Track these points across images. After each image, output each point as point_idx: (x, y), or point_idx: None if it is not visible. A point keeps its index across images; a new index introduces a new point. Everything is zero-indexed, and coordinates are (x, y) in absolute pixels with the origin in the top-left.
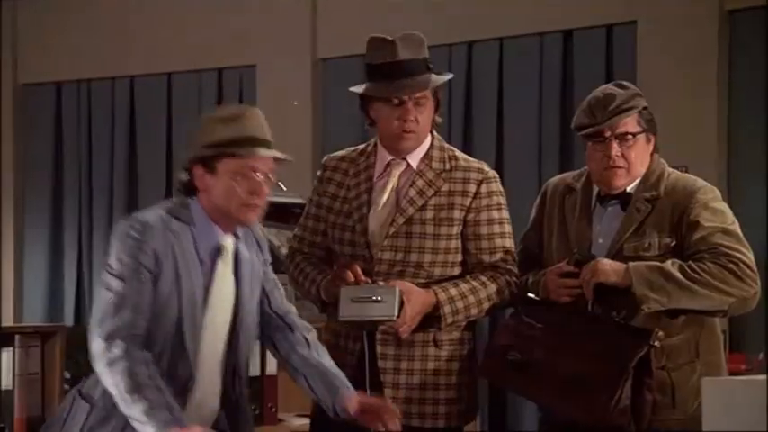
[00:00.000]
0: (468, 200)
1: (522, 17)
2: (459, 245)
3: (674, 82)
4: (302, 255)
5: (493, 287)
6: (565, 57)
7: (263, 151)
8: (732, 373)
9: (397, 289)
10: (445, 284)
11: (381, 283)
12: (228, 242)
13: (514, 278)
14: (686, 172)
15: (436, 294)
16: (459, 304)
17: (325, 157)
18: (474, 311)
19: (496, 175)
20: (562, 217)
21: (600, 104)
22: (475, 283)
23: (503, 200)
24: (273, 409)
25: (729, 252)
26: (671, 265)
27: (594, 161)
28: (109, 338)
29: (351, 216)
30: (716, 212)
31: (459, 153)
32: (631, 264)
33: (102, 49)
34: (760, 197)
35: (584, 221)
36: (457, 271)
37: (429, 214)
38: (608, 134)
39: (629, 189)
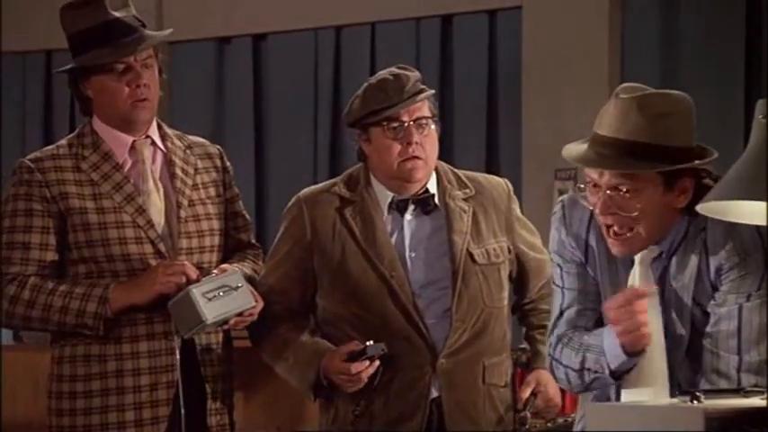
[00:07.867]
0: (221, 175)
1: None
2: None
3: (561, 71)
4: (40, 277)
5: (258, 265)
6: (444, 44)
7: None
8: None
9: (238, 270)
10: (236, 267)
11: (215, 272)
12: None
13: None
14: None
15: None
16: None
17: (27, 160)
18: None
19: None
20: (351, 235)
21: (393, 86)
22: (250, 264)
23: None
24: None
25: None
26: None
27: (389, 153)
28: None
29: (122, 212)
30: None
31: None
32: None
33: None
34: None
35: (386, 234)
36: (222, 253)
37: (203, 194)
38: (406, 118)
39: (430, 189)
